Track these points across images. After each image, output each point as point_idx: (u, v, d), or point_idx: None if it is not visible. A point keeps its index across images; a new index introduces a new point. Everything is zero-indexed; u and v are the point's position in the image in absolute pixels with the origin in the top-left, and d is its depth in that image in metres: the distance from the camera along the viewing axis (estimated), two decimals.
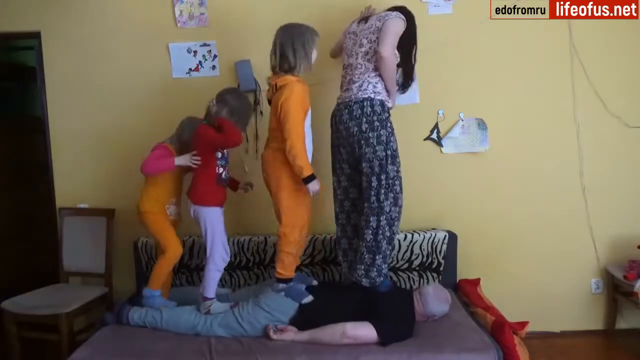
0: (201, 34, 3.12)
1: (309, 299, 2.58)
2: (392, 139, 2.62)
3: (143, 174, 2.62)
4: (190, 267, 3.06)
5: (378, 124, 2.57)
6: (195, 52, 3.13)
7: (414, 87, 3.09)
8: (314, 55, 2.57)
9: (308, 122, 2.57)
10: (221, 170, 2.65)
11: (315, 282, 2.84)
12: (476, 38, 3.10)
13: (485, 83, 3.15)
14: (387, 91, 2.68)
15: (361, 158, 2.61)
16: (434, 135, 3.19)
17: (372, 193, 2.59)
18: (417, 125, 3.17)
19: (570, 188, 3.21)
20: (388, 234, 2.63)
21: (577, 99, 3.16)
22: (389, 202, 2.60)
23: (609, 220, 3.22)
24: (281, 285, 2.61)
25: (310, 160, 2.58)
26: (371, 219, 2.60)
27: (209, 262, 2.62)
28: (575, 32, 3.11)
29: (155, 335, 2.51)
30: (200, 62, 3.14)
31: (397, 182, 2.63)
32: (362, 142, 2.58)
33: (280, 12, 3.10)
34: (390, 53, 2.54)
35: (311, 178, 2.50)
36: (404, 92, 2.88)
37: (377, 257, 2.62)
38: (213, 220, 2.61)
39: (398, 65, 2.70)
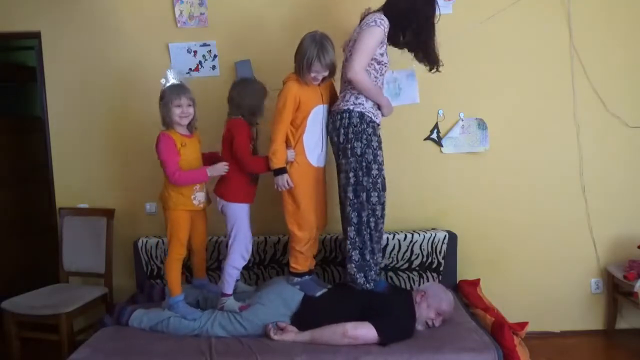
0: (201, 34, 3.12)
1: (322, 291, 2.60)
2: (367, 151, 2.53)
3: (175, 185, 2.53)
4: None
5: (352, 135, 2.53)
6: (195, 52, 3.13)
7: (414, 87, 3.10)
8: (311, 73, 2.48)
9: (312, 117, 2.56)
10: None
11: (319, 293, 2.65)
12: (476, 38, 3.10)
13: (485, 83, 3.15)
14: (378, 104, 2.62)
15: (339, 168, 2.62)
16: (434, 135, 3.19)
17: (348, 203, 2.57)
18: (417, 125, 3.17)
19: (570, 188, 3.21)
20: (368, 242, 2.59)
21: (577, 99, 3.16)
22: (365, 213, 2.56)
23: (609, 220, 3.22)
24: (296, 279, 2.64)
25: (317, 157, 2.60)
26: (348, 228, 2.59)
27: (227, 257, 2.62)
28: (575, 32, 3.11)
29: (155, 335, 2.51)
30: (200, 62, 3.14)
31: (373, 194, 2.55)
32: (340, 152, 2.59)
33: (280, 11, 3.10)
34: (355, 74, 2.46)
35: (280, 172, 2.50)
36: (436, 71, 2.70)
37: (366, 258, 2.59)
38: (240, 217, 2.62)
39: (419, 48, 2.63)
